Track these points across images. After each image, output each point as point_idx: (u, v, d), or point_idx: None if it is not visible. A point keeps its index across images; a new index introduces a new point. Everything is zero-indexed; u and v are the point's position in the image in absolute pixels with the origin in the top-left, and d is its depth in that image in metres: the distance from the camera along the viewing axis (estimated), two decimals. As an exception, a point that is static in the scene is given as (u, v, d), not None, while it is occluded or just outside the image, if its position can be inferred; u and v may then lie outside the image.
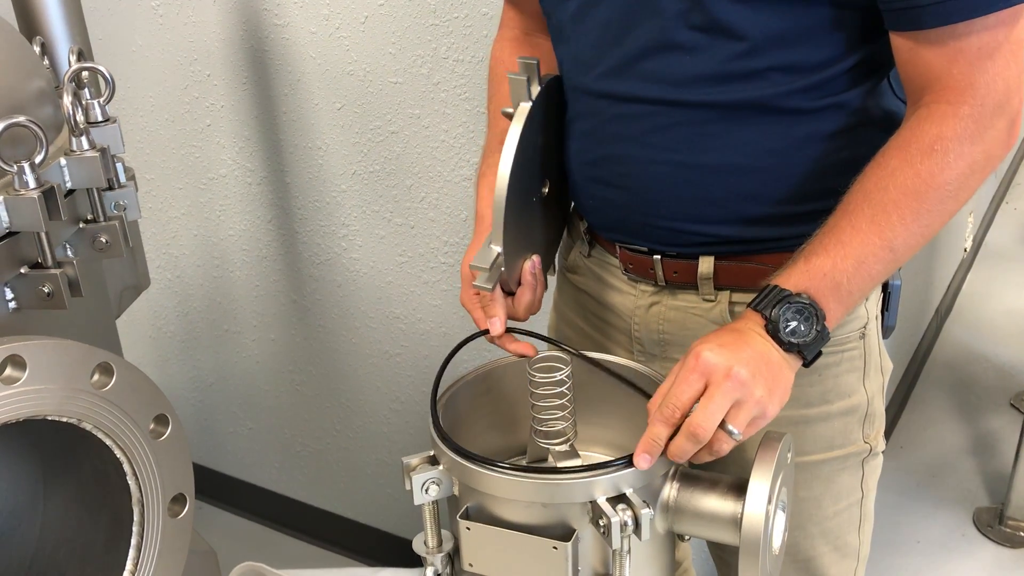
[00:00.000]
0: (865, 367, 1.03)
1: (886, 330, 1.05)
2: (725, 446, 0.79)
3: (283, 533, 2.30)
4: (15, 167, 0.81)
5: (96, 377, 0.82)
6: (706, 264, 0.99)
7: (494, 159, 0.97)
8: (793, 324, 0.83)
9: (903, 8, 0.82)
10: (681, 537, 0.86)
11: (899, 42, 0.85)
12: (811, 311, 0.83)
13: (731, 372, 0.78)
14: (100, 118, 1.00)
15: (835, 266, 0.83)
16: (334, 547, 2.22)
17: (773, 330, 0.82)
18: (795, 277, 0.84)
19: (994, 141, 0.84)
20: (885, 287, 1.03)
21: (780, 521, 0.83)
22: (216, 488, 2.36)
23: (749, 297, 0.95)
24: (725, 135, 0.92)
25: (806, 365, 0.86)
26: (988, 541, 2.18)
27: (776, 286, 0.84)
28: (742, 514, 0.78)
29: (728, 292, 1.00)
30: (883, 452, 1.07)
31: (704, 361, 0.79)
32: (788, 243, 0.91)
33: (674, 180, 0.95)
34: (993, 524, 2.20)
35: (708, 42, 0.88)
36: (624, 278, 1.06)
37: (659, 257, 1.00)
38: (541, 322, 1.64)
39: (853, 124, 0.92)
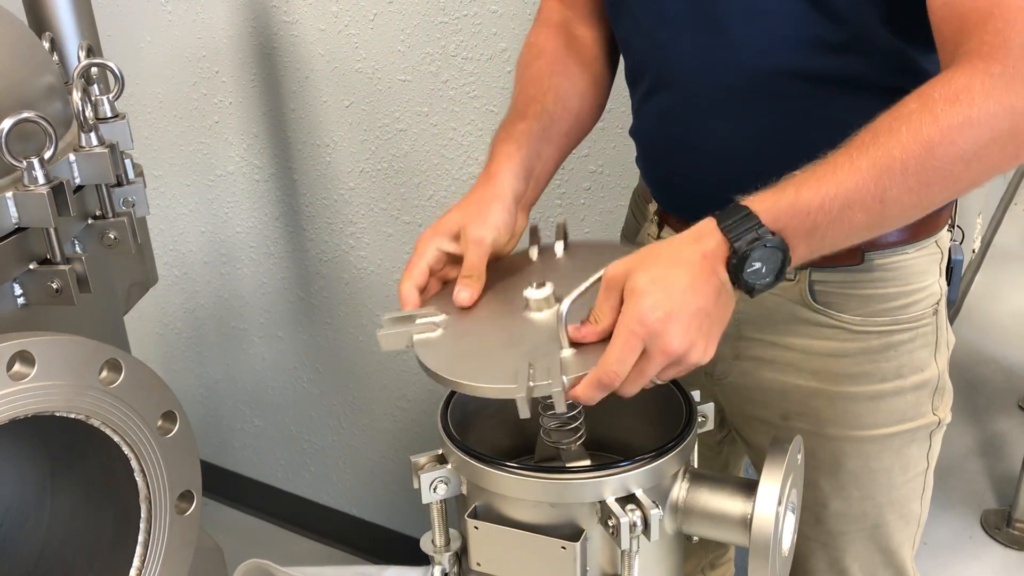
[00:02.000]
0: (937, 342, 1.03)
1: (948, 304, 1.04)
2: (634, 389, 0.76)
3: (289, 530, 2.30)
4: (24, 163, 0.81)
5: (104, 373, 0.82)
6: None
7: (518, 129, 0.96)
8: (757, 265, 0.76)
9: None
10: (690, 538, 0.85)
11: None
12: (779, 256, 0.76)
13: (669, 348, 0.73)
14: (109, 114, 1.01)
15: (822, 206, 0.76)
16: (340, 544, 2.22)
17: (736, 267, 0.76)
18: (778, 209, 0.76)
19: (1021, 111, 0.76)
20: (948, 262, 1.02)
21: (790, 523, 0.82)
22: (222, 485, 2.36)
23: (829, 275, 0.97)
24: (812, 110, 0.89)
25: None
26: (995, 543, 2.16)
27: (755, 216, 0.76)
28: (752, 515, 0.77)
29: (807, 271, 0.97)
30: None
31: (648, 327, 0.73)
32: None
33: (757, 156, 0.90)
34: (1001, 526, 2.19)
35: (802, 10, 0.86)
36: None
37: None
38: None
39: None
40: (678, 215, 1.05)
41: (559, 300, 0.78)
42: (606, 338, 0.75)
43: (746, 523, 0.78)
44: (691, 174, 1.00)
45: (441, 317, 0.84)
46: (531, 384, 0.73)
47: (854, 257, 0.96)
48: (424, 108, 1.64)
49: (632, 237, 1.16)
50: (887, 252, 0.97)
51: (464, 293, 0.87)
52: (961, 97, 0.74)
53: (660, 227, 1.09)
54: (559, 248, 0.94)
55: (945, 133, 0.74)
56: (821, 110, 0.90)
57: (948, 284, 1.03)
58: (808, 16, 0.86)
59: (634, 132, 1.09)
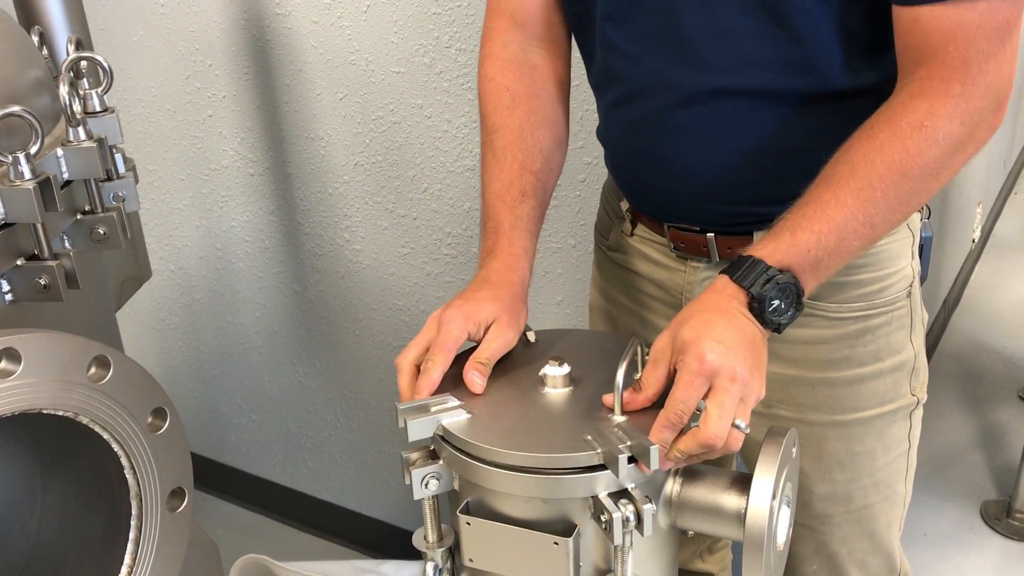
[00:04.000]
0: (911, 323, 1.06)
1: (920, 281, 1.07)
2: (738, 443, 0.78)
3: (287, 525, 2.30)
4: (10, 157, 0.80)
5: (92, 370, 0.81)
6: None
7: (525, 212, 0.98)
8: (776, 303, 0.83)
9: None
10: (684, 532, 0.85)
11: (901, 13, 0.86)
12: (793, 290, 0.83)
13: (735, 375, 0.77)
14: (98, 108, 1.00)
15: (819, 242, 0.83)
16: (337, 539, 2.23)
17: (758, 310, 0.82)
18: (780, 252, 0.84)
19: (981, 123, 0.85)
20: (920, 240, 1.07)
21: (785, 516, 0.82)
22: (219, 480, 2.36)
23: None
24: (778, 119, 0.93)
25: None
26: (995, 534, 2.17)
27: (761, 261, 0.83)
28: (746, 509, 0.76)
29: None
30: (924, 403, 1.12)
31: (709, 364, 0.77)
32: None
33: (729, 165, 0.96)
34: (1001, 517, 2.19)
35: (764, 30, 0.90)
36: (673, 255, 1.07)
37: (713, 235, 1.01)
38: (577, 301, 1.64)
39: None
40: (650, 217, 1.07)
41: (574, 377, 0.85)
42: (656, 406, 0.79)
43: (740, 517, 0.77)
44: (660, 184, 1.02)
45: (456, 402, 0.83)
46: (622, 445, 0.75)
47: None
48: (418, 100, 1.63)
49: (606, 233, 1.17)
50: None
51: (478, 379, 0.86)
52: (925, 123, 0.83)
53: (633, 224, 1.11)
54: (531, 336, 0.95)
55: (915, 158, 0.83)
56: (786, 126, 0.94)
57: (920, 262, 1.07)
58: (769, 36, 0.90)
59: (601, 137, 1.10)
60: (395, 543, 2.08)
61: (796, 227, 0.84)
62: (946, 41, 0.83)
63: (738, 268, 0.84)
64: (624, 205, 1.11)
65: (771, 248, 0.84)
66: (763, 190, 0.96)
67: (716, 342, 0.78)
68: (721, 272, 0.85)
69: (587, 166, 1.53)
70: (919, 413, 1.10)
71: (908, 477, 1.13)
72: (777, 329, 0.84)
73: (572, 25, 1.06)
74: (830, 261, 0.85)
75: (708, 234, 1.01)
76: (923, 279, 1.08)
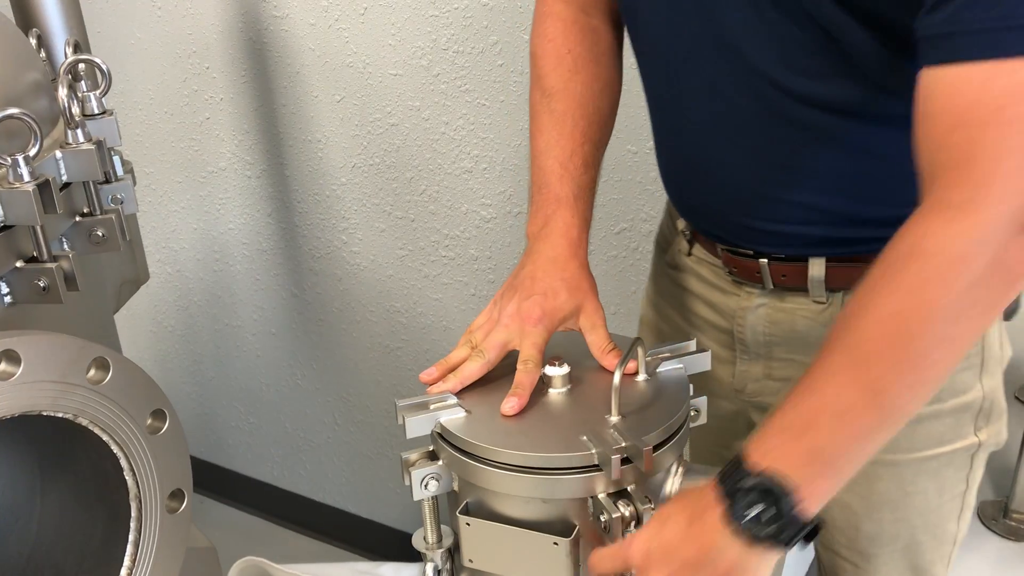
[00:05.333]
0: (983, 363, 0.95)
1: (1007, 313, 0.90)
2: None
3: (284, 527, 2.30)
4: (9, 160, 0.80)
5: (92, 372, 0.82)
6: (817, 267, 0.92)
7: (585, 183, 0.94)
8: (758, 509, 0.68)
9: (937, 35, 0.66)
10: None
11: (929, 79, 0.68)
12: (773, 496, 0.68)
13: None
14: (96, 111, 1.00)
15: (808, 424, 0.69)
16: (335, 541, 2.23)
17: (727, 517, 0.69)
18: (765, 443, 0.70)
19: (993, 237, 0.63)
20: None
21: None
22: (217, 482, 2.36)
23: None
24: (822, 136, 0.83)
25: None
26: (992, 535, 2.16)
27: (741, 459, 0.71)
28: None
29: (841, 294, 0.93)
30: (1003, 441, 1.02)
31: (631, 559, 0.73)
32: None
33: (768, 182, 0.88)
34: (998, 518, 2.19)
35: (811, 37, 0.80)
36: (728, 279, 1.00)
37: (766, 261, 0.94)
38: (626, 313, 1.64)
39: None
40: (705, 235, 1.01)
41: (574, 378, 0.84)
42: (654, 407, 0.79)
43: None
44: (708, 197, 0.96)
45: (455, 400, 0.83)
46: (616, 446, 0.74)
47: None
48: (415, 102, 1.64)
49: (664, 247, 1.12)
50: None
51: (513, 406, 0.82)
52: (934, 262, 0.65)
53: (691, 244, 1.05)
54: None
55: (928, 303, 0.65)
56: (831, 136, 0.84)
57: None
58: (816, 43, 0.80)
59: (656, 152, 1.05)
60: (393, 545, 2.08)
61: (783, 412, 0.70)
62: (951, 128, 0.64)
63: (726, 466, 0.72)
64: (680, 224, 1.05)
65: (757, 439, 0.71)
66: (810, 211, 0.88)
67: (661, 548, 0.71)
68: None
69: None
70: (983, 456, 1.00)
71: (963, 516, 1.04)
72: (764, 544, 0.69)
73: (627, 26, 0.99)
74: (835, 449, 0.68)
75: (761, 260, 0.94)
76: (1012, 313, 0.92)
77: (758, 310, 0.99)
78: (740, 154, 0.90)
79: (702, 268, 1.04)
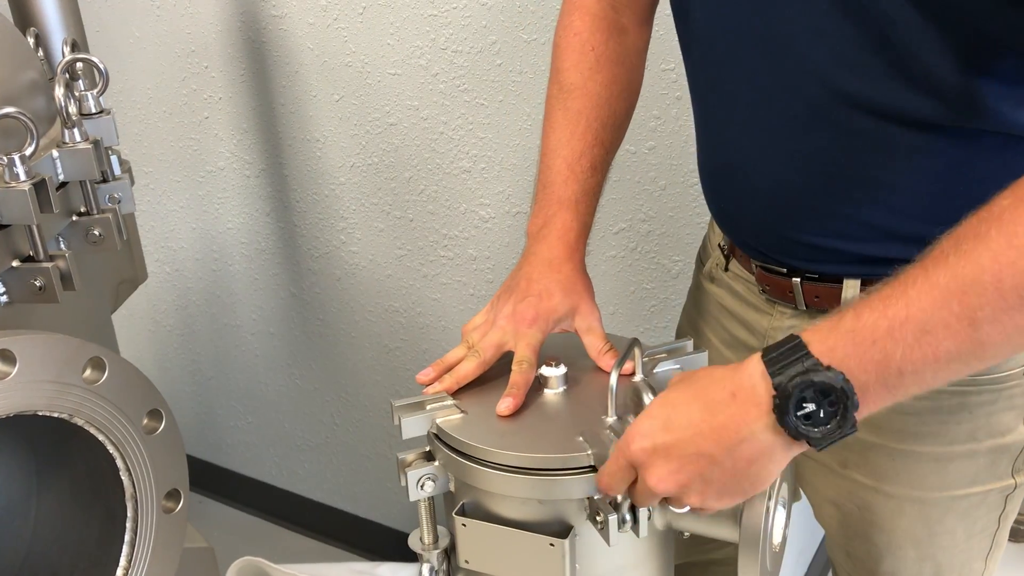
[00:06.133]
0: None
1: None
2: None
3: (283, 527, 2.30)
4: (5, 159, 0.80)
5: (88, 372, 0.82)
6: (852, 288, 0.88)
7: (590, 187, 0.93)
8: (809, 407, 0.63)
9: None
10: (682, 534, 0.85)
11: None
12: (842, 394, 0.63)
13: (649, 487, 0.69)
14: (94, 110, 1.00)
15: (889, 331, 0.62)
16: (333, 541, 2.23)
17: (779, 409, 0.64)
18: (833, 337, 0.64)
19: None
20: None
21: (780, 517, 0.82)
22: (215, 482, 2.36)
23: None
24: (872, 144, 0.78)
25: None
26: (992, 535, 2.16)
27: (803, 344, 0.64)
28: (742, 509, 0.77)
29: None
30: None
31: (631, 455, 0.70)
32: None
33: (811, 189, 0.84)
34: (996, 518, 2.19)
35: (866, 35, 0.75)
36: (762, 297, 0.98)
37: (799, 280, 0.90)
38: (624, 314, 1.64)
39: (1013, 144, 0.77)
40: (742, 249, 0.98)
41: (570, 378, 0.85)
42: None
43: (736, 517, 0.77)
44: (746, 204, 0.93)
45: (451, 400, 0.83)
46: (612, 447, 0.74)
47: None
48: (414, 102, 1.64)
49: (704, 260, 1.10)
50: None
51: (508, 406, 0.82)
52: None
53: (727, 259, 1.03)
54: None
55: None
56: (882, 145, 0.79)
57: None
58: (871, 44, 0.75)
59: (698, 158, 1.02)
60: (391, 545, 2.08)
61: (863, 307, 0.64)
62: None
63: (775, 348, 0.66)
64: (718, 237, 1.03)
65: (825, 331, 0.64)
66: (848, 224, 0.84)
67: (654, 435, 0.68)
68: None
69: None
70: (1019, 497, 0.95)
71: (992, 555, 1.00)
72: (811, 443, 0.64)
73: (676, 20, 0.95)
74: (905, 364, 0.62)
75: (794, 279, 0.91)
76: None
77: (790, 331, 0.96)
78: (783, 158, 0.86)
79: (737, 284, 1.02)
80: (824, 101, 0.80)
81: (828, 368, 0.63)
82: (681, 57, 0.98)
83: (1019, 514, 2.20)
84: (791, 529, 1.50)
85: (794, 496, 1.17)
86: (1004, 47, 0.71)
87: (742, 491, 0.69)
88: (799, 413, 0.63)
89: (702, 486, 0.68)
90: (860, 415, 0.64)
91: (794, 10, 0.78)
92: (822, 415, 0.63)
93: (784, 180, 0.87)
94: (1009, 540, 2.18)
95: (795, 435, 0.64)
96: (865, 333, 0.63)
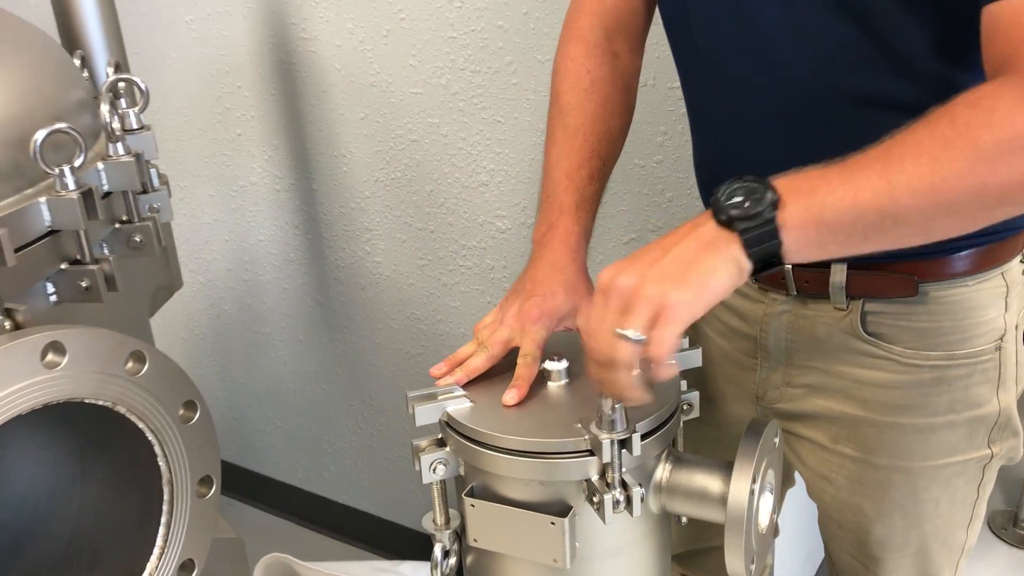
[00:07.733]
0: (1000, 378, 0.98)
1: None
2: (629, 356, 0.72)
3: (309, 528, 2.32)
4: (57, 170, 0.85)
5: (130, 364, 0.85)
6: (839, 273, 0.95)
7: (588, 196, 0.98)
8: (738, 199, 0.73)
9: None
10: (679, 519, 0.90)
11: (989, 13, 0.75)
12: (760, 192, 0.72)
13: (613, 284, 0.73)
14: (135, 126, 1.05)
15: (822, 175, 0.72)
16: (357, 542, 2.25)
17: (715, 204, 0.74)
18: (781, 176, 0.75)
19: None
20: None
21: (767, 501, 0.86)
22: (245, 485, 2.39)
23: (882, 306, 0.94)
24: (859, 131, 0.80)
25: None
26: (1002, 543, 2.16)
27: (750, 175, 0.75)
28: (728, 492, 0.81)
29: (860, 301, 0.96)
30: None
31: (603, 283, 0.75)
32: (927, 249, 0.78)
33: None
34: (1008, 527, 2.20)
35: (848, 32, 0.83)
36: (755, 286, 1.03)
37: (790, 267, 0.97)
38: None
39: None
40: None
41: (572, 372, 0.89)
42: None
43: (724, 500, 0.81)
44: None
45: (461, 391, 0.89)
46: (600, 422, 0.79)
47: (908, 288, 0.94)
48: (435, 119, 1.68)
49: None
50: (944, 284, 0.95)
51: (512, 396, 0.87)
52: (983, 103, 0.70)
53: None
54: None
55: (962, 132, 0.69)
56: (868, 132, 0.81)
57: None
58: (854, 38, 0.84)
59: (694, 159, 1.08)
60: (412, 546, 2.10)
61: (810, 168, 0.74)
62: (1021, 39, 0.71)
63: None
64: None
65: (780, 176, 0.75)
66: None
67: (621, 265, 0.74)
68: None
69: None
70: (994, 467, 1.03)
71: (972, 526, 1.07)
72: (736, 228, 0.72)
73: (666, 27, 1.03)
74: (827, 198, 0.71)
75: (786, 265, 0.96)
76: None
77: (781, 316, 1.02)
78: (776, 148, 0.91)
79: None
80: (810, 93, 0.87)
81: (760, 182, 0.73)
82: None
83: (1021, 520, 2.19)
84: (797, 530, 1.54)
85: (786, 483, 1.22)
86: (977, 35, 0.78)
87: (696, 282, 0.73)
88: (728, 202, 0.73)
89: (658, 274, 0.73)
90: (786, 224, 0.72)
91: (777, 11, 0.85)
92: (746, 204, 0.72)
93: (774, 170, 0.92)
94: (1011, 545, 2.18)
95: (719, 211, 0.73)
96: (803, 172, 0.73)
